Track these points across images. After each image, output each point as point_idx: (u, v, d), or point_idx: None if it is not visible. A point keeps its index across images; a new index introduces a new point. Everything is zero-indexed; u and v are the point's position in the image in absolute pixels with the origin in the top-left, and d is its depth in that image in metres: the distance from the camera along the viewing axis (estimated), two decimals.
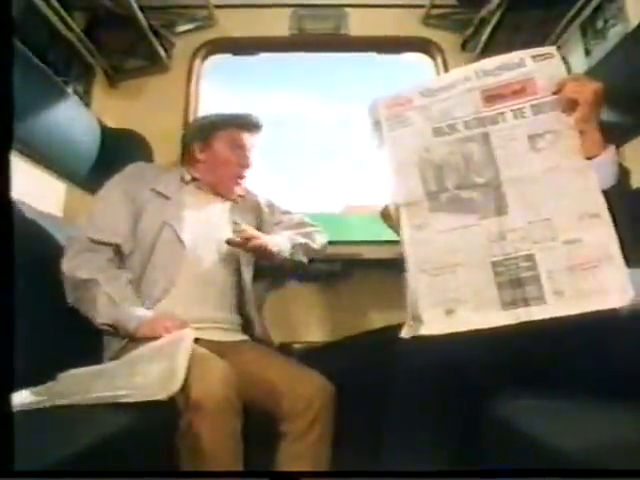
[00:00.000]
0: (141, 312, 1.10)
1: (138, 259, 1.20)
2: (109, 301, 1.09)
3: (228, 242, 1.22)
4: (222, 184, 1.35)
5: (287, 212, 1.48)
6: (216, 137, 1.36)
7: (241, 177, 1.37)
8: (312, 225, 1.46)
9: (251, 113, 1.40)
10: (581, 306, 0.74)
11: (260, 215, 1.43)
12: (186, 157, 1.40)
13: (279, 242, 1.29)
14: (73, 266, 1.13)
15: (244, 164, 1.36)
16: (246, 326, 1.29)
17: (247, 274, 1.30)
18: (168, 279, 1.18)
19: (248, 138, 1.37)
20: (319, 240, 1.42)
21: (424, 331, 0.78)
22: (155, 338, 1.01)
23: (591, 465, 0.57)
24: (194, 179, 1.35)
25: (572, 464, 0.59)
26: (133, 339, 1.06)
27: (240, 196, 1.39)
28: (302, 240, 1.36)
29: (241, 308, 1.29)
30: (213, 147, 1.36)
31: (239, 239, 1.21)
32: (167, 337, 1.00)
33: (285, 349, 1.44)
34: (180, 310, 1.14)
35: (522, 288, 0.77)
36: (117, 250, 1.19)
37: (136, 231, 1.22)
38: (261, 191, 1.49)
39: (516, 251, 0.78)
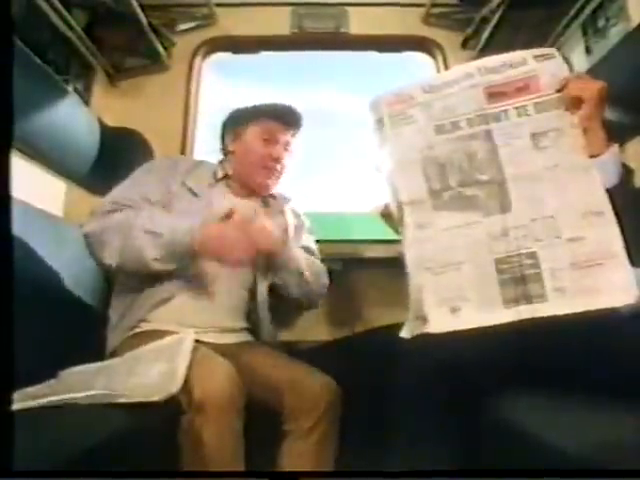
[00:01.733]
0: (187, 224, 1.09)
1: None
2: (147, 234, 1.07)
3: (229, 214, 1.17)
4: (252, 177, 1.29)
5: (307, 248, 1.35)
6: (249, 127, 1.30)
7: (272, 170, 1.29)
8: (319, 266, 1.34)
9: (291, 105, 1.32)
10: (583, 304, 0.74)
11: (285, 227, 1.31)
12: (222, 149, 1.37)
13: (294, 250, 1.24)
14: (94, 224, 1.11)
15: (275, 157, 1.28)
16: (254, 330, 1.26)
17: (262, 282, 1.25)
18: (175, 282, 1.15)
19: (283, 132, 1.29)
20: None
21: (430, 329, 0.78)
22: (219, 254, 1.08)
23: (591, 465, 0.57)
24: (225, 176, 1.31)
25: (572, 464, 0.59)
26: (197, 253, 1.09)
27: (271, 195, 1.34)
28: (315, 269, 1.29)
29: (251, 314, 1.26)
30: (244, 137, 1.30)
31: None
32: (168, 339, 1.00)
33: (286, 348, 1.44)
34: (184, 314, 1.13)
35: (524, 285, 0.76)
36: None
37: None
38: (297, 205, 1.41)
39: (519, 248, 0.78)
